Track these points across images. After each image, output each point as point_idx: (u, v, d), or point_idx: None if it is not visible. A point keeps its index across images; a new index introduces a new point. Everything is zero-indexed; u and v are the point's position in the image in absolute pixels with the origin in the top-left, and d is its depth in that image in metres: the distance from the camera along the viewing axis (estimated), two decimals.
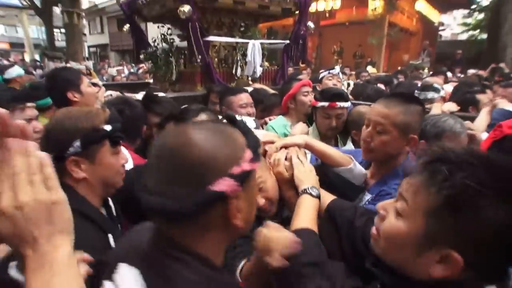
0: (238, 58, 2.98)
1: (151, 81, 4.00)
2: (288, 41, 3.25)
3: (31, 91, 2.04)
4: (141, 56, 3.37)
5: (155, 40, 3.25)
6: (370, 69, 9.80)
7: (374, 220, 0.73)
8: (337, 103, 1.85)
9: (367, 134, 1.21)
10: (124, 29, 3.38)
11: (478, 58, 12.74)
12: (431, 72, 6.80)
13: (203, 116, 1.33)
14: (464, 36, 18.35)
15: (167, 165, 0.53)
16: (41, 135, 0.96)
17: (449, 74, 6.11)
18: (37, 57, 17.28)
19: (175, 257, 0.55)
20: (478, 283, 0.59)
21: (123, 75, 9.65)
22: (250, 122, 1.56)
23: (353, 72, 7.48)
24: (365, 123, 1.24)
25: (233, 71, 2.98)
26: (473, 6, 15.37)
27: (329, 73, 2.98)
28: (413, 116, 1.15)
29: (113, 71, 11.07)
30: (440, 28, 16.88)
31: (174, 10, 2.69)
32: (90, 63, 14.04)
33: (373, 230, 0.71)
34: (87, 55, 20.30)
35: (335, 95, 1.87)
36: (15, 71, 3.97)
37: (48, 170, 0.46)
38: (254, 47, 2.93)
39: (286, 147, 1.15)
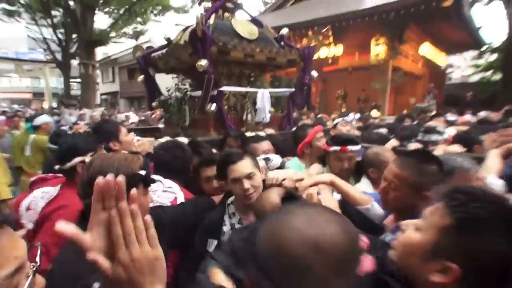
0: (248, 106, 3.24)
1: (161, 126, 4.28)
2: (293, 89, 3.51)
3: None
4: (154, 104, 3.65)
5: (169, 90, 3.55)
6: (374, 113, 9.60)
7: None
8: (348, 147, 2.00)
9: (382, 188, 1.34)
10: (139, 80, 3.70)
11: (491, 99, 12.34)
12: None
13: (247, 159, 1.51)
14: (474, 78, 18.10)
15: None
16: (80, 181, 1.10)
17: (451, 118, 5.71)
18: (54, 104, 18.31)
19: None
20: None
21: (130, 120, 10.16)
22: (277, 160, 1.93)
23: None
24: (382, 177, 1.36)
25: (244, 117, 3.26)
26: (484, 47, 15.18)
27: (343, 119, 3.33)
28: (427, 177, 1.22)
29: (122, 116, 11.62)
30: (448, 70, 16.69)
31: (188, 63, 3.03)
32: (101, 109, 14.45)
33: (395, 241, 0.84)
34: (99, 102, 21.13)
35: (346, 140, 2.04)
36: (42, 119, 4.40)
37: (151, 231, 0.59)
38: (264, 96, 3.21)
39: (316, 184, 1.29)
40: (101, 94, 25.72)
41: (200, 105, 2.96)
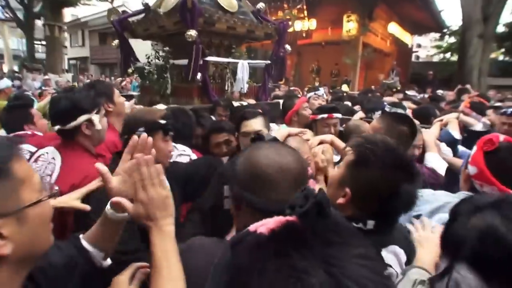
0: (229, 76, 3.38)
1: (134, 93, 4.12)
2: (269, 61, 3.69)
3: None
4: (129, 70, 3.60)
5: (148, 57, 3.52)
6: (344, 87, 10.09)
7: None
8: (334, 114, 2.33)
9: None
10: (113, 44, 3.59)
11: (450, 79, 13.25)
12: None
13: (259, 118, 1.78)
14: (437, 58, 19.09)
15: None
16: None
17: (411, 92, 6.40)
18: (15, 68, 17.12)
19: None
20: (364, 218, 0.90)
21: None
22: (275, 127, 2.24)
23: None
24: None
25: (225, 87, 3.38)
26: (445, 30, 16.07)
27: (315, 93, 3.53)
28: (396, 135, 1.45)
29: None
30: (414, 49, 17.52)
31: (171, 31, 3.12)
32: (69, 75, 13.87)
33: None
34: (66, 67, 20.06)
35: (331, 109, 2.39)
36: (4, 83, 4.16)
37: (161, 176, 0.76)
38: (243, 66, 3.31)
39: (321, 142, 1.59)
40: (69, 59, 24.28)
41: (186, 74, 3.02)
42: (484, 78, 11.71)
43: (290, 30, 12.27)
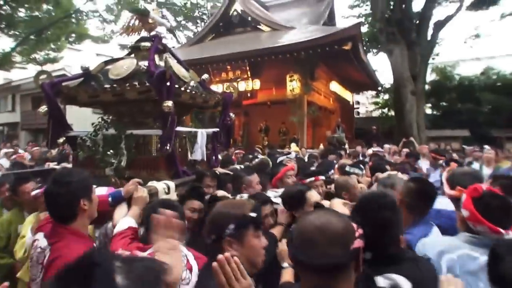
0: (188, 145, 3.41)
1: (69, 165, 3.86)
2: (217, 129, 3.84)
3: None
4: (60, 141, 3.33)
5: (96, 125, 3.27)
6: (293, 146, 9.67)
7: None
8: (319, 177, 2.75)
9: None
10: (40, 111, 3.25)
11: (391, 132, 13.76)
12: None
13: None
14: (376, 113, 20.27)
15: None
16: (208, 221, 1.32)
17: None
18: None
19: None
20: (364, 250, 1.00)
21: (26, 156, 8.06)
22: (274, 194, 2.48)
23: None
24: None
25: (187, 157, 3.38)
26: (379, 88, 17.25)
27: (287, 157, 4.19)
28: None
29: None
30: (355, 106, 18.43)
31: (130, 100, 3.02)
32: None
33: None
34: None
35: (317, 172, 2.87)
36: None
37: (241, 267, 0.94)
38: (202, 135, 3.40)
39: None
40: None
41: (163, 145, 2.92)
42: (423, 132, 12.23)
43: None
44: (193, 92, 3.23)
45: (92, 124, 3.36)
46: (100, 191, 1.92)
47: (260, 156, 5.53)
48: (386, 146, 8.62)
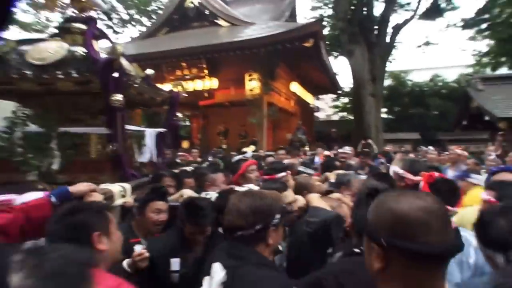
0: (135, 145, 3.24)
1: None
2: (165, 129, 3.69)
3: None
4: None
5: (12, 121, 2.76)
6: (251, 148, 9.42)
7: None
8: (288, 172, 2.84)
9: None
10: None
11: (349, 135, 14.07)
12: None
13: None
14: (335, 117, 20.82)
15: None
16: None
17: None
18: None
19: None
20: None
21: None
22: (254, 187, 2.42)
23: None
24: None
25: (134, 159, 3.21)
26: (339, 92, 17.66)
27: (244, 156, 4.44)
28: None
29: None
30: (315, 110, 18.66)
31: (59, 90, 2.61)
32: None
33: None
34: None
35: (286, 167, 2.94)
36: None
37: None
38: (151, 135, 3.31)
39: None
40: None
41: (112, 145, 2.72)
42: (381, 134, 12.56)
43: (191, 90, 11.42)
44: (141, 87, 2.97)
45: (4, 119, 2.78)
46: (33, 195, 1.61)
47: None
48: (347, 148, 8.65)
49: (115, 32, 20.05)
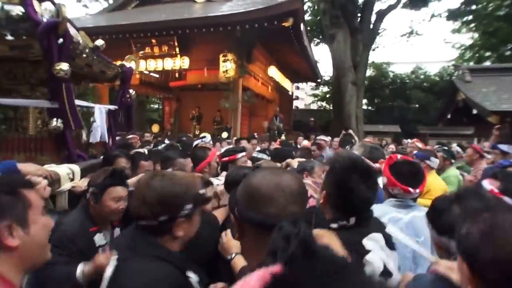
0: (84, 124, 3.02)
1: None
2: (116, 107, 3.50)
3: None
4: None
5: None
6: (224, 135, 8.91)
7: None
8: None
9: None
10: None
11: (328, 125, 13.87)
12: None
13: None
14: (314, 106, 20.65)
15: None
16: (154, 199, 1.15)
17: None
18: None
19: None
20: (346, 217, 1.21)
21: None
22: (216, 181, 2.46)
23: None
24: None
25: (81, 138, 3.05)
26: (319, 80, 17.41)
27: (202, 141, 4.34)
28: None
29: None
30: (294, 98, 18.41)
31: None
32: None
33: None
34: None
35: (243, 149, 3.15)
36: None
37: None
38: (101, 112, 3.08)
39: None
40: None
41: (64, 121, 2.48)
42: (361, 125, 12.40)
43: (161, 69, 10.69)
44: (90, 58, 2.75)
45: None
46: None
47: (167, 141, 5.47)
48: (326, 138, 8.47)
49: (85, 6, 18.83)
